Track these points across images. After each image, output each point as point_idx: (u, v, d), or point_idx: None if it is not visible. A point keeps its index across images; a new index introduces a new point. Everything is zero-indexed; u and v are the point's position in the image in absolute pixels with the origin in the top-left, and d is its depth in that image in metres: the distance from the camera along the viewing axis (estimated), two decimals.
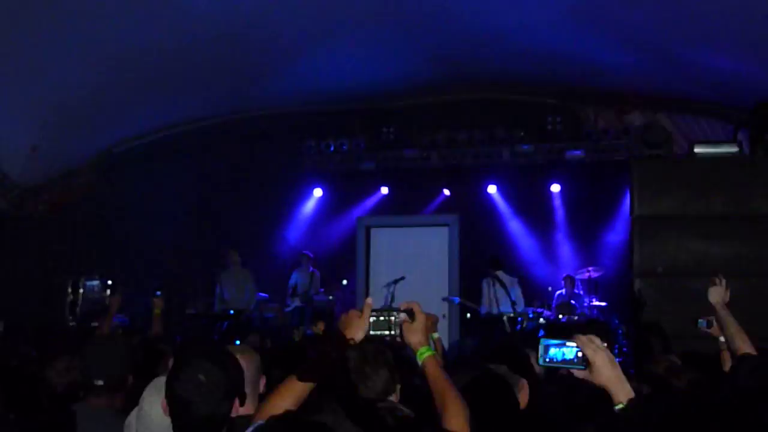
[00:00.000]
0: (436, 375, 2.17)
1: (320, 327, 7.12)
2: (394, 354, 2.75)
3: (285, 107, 11.27)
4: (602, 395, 1.93)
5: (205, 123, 11.51)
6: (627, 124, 10.24)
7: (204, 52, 8.87)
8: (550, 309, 9.92)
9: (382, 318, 2.21)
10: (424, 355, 2.20)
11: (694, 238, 6.00)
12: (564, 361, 1.97)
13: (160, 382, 2.33)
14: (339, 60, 9.38)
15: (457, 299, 10.51)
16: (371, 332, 2.20)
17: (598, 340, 1.97)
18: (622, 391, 1.89)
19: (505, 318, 9.44)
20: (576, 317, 9.46)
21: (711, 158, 6.31)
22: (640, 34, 8.03)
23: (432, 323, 4.19)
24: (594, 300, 9.92)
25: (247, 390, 2.38)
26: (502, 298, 9.64)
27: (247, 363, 2.51)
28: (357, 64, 9.48)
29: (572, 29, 8.31)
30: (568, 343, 1.97)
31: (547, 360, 1.98)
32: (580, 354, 1.95)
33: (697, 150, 6.44)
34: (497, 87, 10.38)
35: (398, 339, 2.25)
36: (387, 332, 2.21)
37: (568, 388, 2.97)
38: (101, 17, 7.64)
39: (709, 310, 3.59)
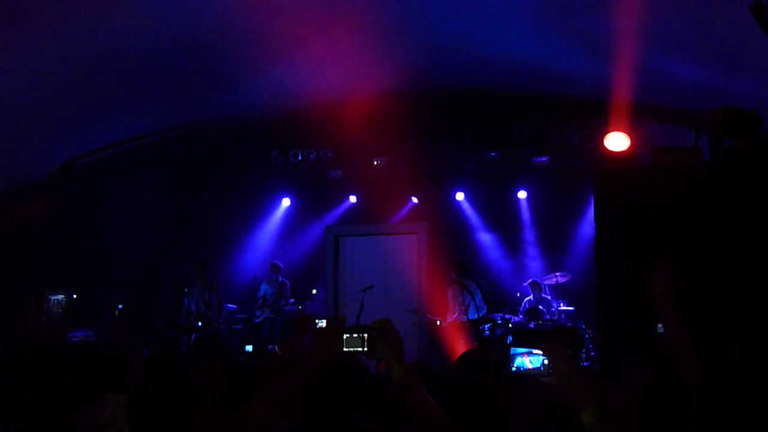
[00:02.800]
0: (413, 390, 2.16)
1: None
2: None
3: (251, 117, 11.24)
4: (567, 400, 1.95)
5: (171, 134, 11.44)
6: (591, 130, 10.40)
7: (169, 62, 8.81)
8: (518, 314, 10.01)
9: (355, 335, 2.23)
10: (399, 371, 2.21)
11: (656, 244, 6.10)
12: (531, 369, 2.01)
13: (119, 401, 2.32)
14: (305, 69, 9.38)
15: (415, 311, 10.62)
16: (345, 349, 2.23)
17: (562, 349, 2.00)
18: (587, 399, 1.91)
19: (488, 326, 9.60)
20: (544, 322, 9.56)
21: (672, 165, 6.42)
22: (603, 42, 8.16)
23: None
24: (562, 305, 10.02)
25: (210, 404, 2.38)
26: (470, 306, 9.77)
27: (209, 378, 2.52)
28: (323, 73, 9.50)
29: (537, 37, 8.42)
30: (534, 352, 2.01)
31: (515, 368, 2.02)
32: (546, 362, 1.98)
33: (658, 157, 6.56)
34: (463, 95, 10.46)
35: (371, 356, 2.26)
36: (360, 349, 2.23)
37: (533, 391, 3.00)
38: (64, 26, 7.55)
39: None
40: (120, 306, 5.44)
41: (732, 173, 6.14)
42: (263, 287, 11.10)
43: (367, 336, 2.23)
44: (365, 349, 2.22)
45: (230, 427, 2.17)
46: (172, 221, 11.61)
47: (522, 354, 2.04)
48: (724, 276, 5.77)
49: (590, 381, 1.95)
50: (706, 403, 2.43)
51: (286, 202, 12.10)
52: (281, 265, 11.21)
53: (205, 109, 10.85)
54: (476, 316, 9.74)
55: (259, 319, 10.86)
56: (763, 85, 7.31)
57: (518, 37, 8.48)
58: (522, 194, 11.14)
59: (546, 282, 10.29)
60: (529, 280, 10.31)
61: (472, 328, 9.70)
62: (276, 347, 7.54)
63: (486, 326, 9.59)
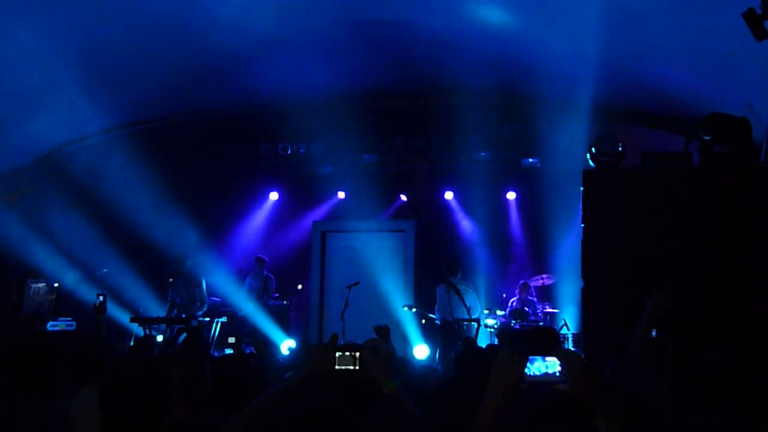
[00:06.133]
0: (403, 406, 2.24)
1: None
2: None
3: (242, 109, 11.18)
4: (579, 409, 1.90)
5: (159, 124, 11.36)
6: (582, 133, 10.40)
7: (160, 51, 8.75)
8: (504, 315, 10.00)
9: (347, 353, 2.28)
10: (390, 388, 2.27)
11: (643, 249, 6.09)
12: (545, 375, 1.96)
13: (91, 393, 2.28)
14: (296, 63, 9.33)
15: (415, 309, 10.35)
16: (337, 367, 2.26)
17: (577, 355, 1.97)
18: (602, 407, 1.87)
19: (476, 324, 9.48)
20: (529, 324, 9.55)
21: (661, 170, 6.42)
22: (592, 46, 8.17)
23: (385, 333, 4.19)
24: (547, 307, 10.04)
25: (184, 396, 2.35)
26: (457, 305, 9.67)
27: (186, 370, 2.48)
28: (314, 67, 9.45)
29: (529, 39, 8.42)
30: (548, 358, 1.96)
31: (528, 374, 1.96)
32: (560, 368, 1.93)
33: (647, 162, 6.55)
34: (455, 94, 10.43)
35: (362, 374, 2.30)
36: (352, 367, 2.27)
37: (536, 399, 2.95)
38: (56, 11, 7.48)
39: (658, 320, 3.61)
40: (101, 297, 5.38)
41: (721, 179, 6.15)
42: (248, 281, 11.05)
43: (359, 354, 2.28)
44: (357, 367, 2.27)
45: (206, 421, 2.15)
46: (157, 212, 11.50)
47: (536, 359, 1.98)
48: (712, 282, 5.77)
49: (605, 389, 1.92)
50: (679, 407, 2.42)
51: (273, 196, 12.05)
52: (266, 259, 11.15)
53: (195, 99, 10.77)
54: (465, 316, 9.62)
55: (243, 312, 10.80)
56: (753, 92, 7.33)
57: (512, 38, 8.47)
58: (511, 195, 11.16)
59: (532, 284, 10.29)
60: (521, 282, 10.30)
61: (453, 327, 9.61)
62: (253, 349, 7.53)
63: (473, 325, 9.53)
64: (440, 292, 9.84)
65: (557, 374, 1.93)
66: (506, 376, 1.92)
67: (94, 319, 5.38)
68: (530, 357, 1.96)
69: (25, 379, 3.09)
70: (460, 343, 9.26)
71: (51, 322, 9.54)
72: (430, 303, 10.44)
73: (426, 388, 2.73)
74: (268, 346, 8.35)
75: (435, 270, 10.87)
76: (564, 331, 9.23)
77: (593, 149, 6.94)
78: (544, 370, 1.95)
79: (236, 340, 8.14)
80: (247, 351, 7.87)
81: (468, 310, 9.48)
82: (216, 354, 8.24)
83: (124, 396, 2.11)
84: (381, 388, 2.25)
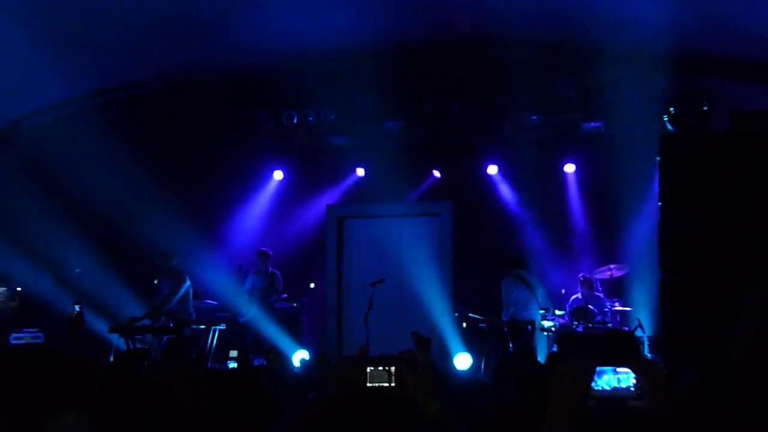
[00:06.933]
0: (449, 428, 2.23)
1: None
2: None
3: (235, 70, 11.21)
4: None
5: (136, 91, 11.40)
6: (655, 89, 10.32)
7: (139, 4, 8.81)
8: (563, 315, 10.00)
9: (380, 368, 2.28)
10: (432, 408, 2.26)
11: (735, 229, 6.07)
12: (615, 390, 1.96)
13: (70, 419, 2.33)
14: (302, 12, 9.34)
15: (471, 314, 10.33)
16: (368, 384, 2.28)
17: (656, 367, 1.97)
18: (684, 429, 1.88)
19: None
20: (595, 325, 9.54)
21: (756, 133, 6.38)
22: None
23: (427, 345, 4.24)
24: (617, 304, 10.01)
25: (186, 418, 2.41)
26: (529, 302, 9.68)
27: (186, 389, 2.53)
28: (321, 18, 9.46)
29: None
30: (619, 369, 1.97)
31: (595, 388, 1.97)
32: (634, 381, 1.94)
33: (738, 123, 6.52)
34: (496, 45, 10.38)
35: (399, 392, 2.31)
36: (386, 384, 2.28)
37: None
38: None
39: None
40: (77, 306, 5.44)
41: None
42: (250, 279, 11.14)
43: (395, 369, 2.28)
44: (392, 384, 2.27)
45: None
46: (139, 198, 11.61)
47: (606, 370, 1.99)
48: None
49: (688, 408, 1.92)
50: None
51: (278, 175, 12.10)
52: (271, 253, 11.23)
53: (179, 60, 10.81)
54: (536, 317, 9.65)
55: (245, 318, 10.90)
56: None
57: None
58: (569, 167, 11.11)
59: (598, 276, 10.27)
60: (580, 276, 10.27)
61: (517, 329, 9.62)
62: (264, 361, 7.64)
63: (528, 328, 9.56)
64: (509, 286, 9.81)
65: (631, 389, 1.94)
66: (568, 395, 1.93)
67: (70, 331, 5.47)
68: (598, 369, 1.96)
69: None
70: (510, 350, 9.32)
71: (14, 334, 9.70)
72: (470, 301, 10.49)
73: (475, 408, 2.76)
74: (282, 356, 8.46)
75: (477, 260, 10.90)
76: (638, 333, 9.21)
77: (671, 109, 6.92)
78: (614, 384, 1.96)
79: (239, 353, 8.23)
80: (257, 363, 7.94)
81: (540, 306, 9.53)
82: (216, 368, 8.35)
83: (122, 426, 2.16)
84: (422, 409, 2.26)
